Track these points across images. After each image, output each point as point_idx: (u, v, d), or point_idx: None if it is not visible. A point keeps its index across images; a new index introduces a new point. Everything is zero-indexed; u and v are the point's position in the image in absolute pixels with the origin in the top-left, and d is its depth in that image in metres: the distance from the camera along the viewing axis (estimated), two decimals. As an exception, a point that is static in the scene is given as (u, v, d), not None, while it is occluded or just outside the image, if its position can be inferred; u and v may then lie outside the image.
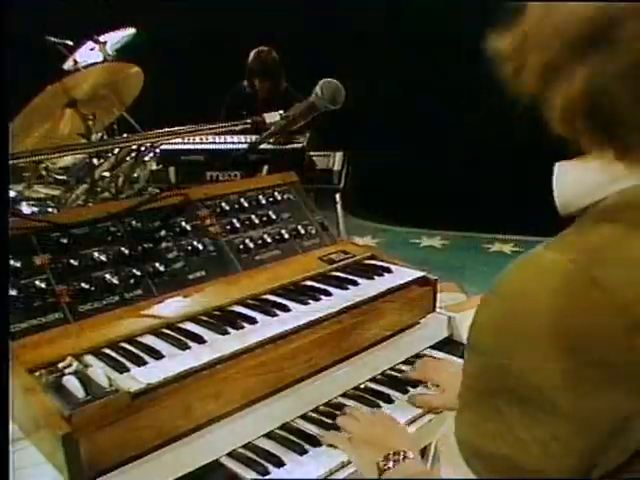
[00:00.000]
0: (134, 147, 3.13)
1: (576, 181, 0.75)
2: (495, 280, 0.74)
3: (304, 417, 1.31)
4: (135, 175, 3.40)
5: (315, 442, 1.23)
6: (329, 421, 1.29)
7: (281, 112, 1.48)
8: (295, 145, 3.83)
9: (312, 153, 4.08)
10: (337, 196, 4.08)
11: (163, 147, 3.76)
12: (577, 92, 0.69)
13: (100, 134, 3.49)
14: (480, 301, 0.75)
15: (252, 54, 4.75)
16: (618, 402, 0.65)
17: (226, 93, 4.94)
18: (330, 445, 1.22)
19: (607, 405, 0.65)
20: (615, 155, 0.71)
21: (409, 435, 1.27)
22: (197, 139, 3.91)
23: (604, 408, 0.65)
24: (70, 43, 4.01)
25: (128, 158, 3.27)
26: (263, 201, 1.70)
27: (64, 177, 3.33)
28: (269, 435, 1.25)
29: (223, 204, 1.63)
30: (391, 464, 1.11)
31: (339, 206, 4.09)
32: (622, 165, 0.71)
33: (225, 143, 4.04)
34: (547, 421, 0.67)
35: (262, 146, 3.69)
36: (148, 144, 3.08)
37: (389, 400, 1.37)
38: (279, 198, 1.73)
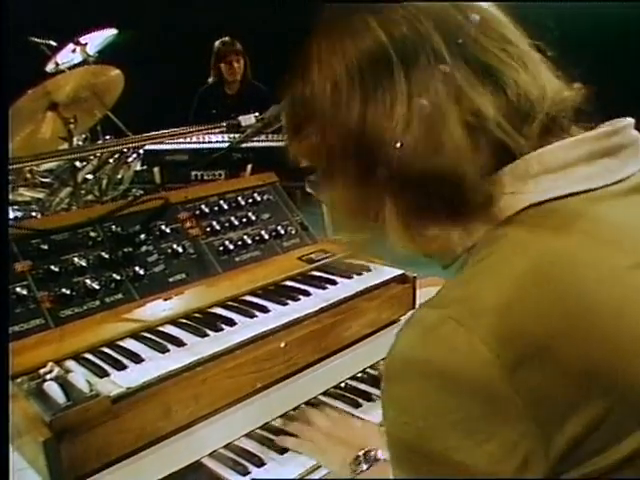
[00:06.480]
0: (117, 149, 3.14)
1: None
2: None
3: (285, 416, 1.33)
4: (119, 177, 3.40)
5: (296, 441, 1.25)
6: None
7: (256, 114, 1.49)
8: (278, 143, 3.85)
9: (296, 150, 4.10)
10: (322, 193, 4.10)
11: (147, 147, 3.77)
12: None
13: (83, 136, 3.49)
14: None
15: (217, 43, 5.03)
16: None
17: (194, 96, 5.08)
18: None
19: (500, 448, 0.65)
20: None
21: (369, 431, 1.26)
22: (181, 139, 3.92)
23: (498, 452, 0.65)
24: (53, 43, 4.01)
25: (111, 160, 3.28)
26: (243, 202, 1.72)
27: (48, 179, 3.34)
28: (250, 435, 1.27)
29: (203, 206, 1.65)
30: (364, 467, 1.12)
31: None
32: None
33: (209, 142, 4.05)
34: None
35: (246, 145, 3.73)
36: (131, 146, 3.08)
37: (369, 398, 1.39)
38: (258, 199, 1.75)
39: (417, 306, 1.64)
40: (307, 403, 1.38)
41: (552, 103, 0.76)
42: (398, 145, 0.73)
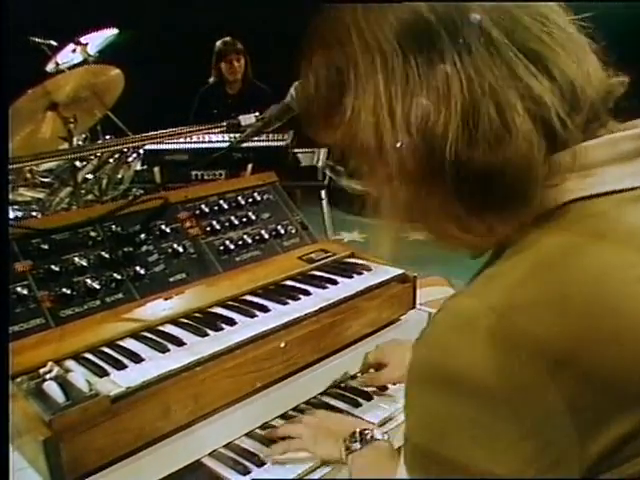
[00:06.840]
0: (117, 149, 3.14)
1: None
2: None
3: (285, 416, 1.33)
4: (119, 176, 3.40)
5: (296, 440, 1.24)
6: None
7: (256, 114, 1.49)
8: (279, 143, 3.85)
9: (297, 150, 4.10)
10: (322, 193, 4.10)
11: (147, 147, 3.77)
12: None
13: (83, 136, 3.49)
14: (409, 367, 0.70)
15: (218, 42, 5.03)
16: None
17: (194, 95, 5.08)
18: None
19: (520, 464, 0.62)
20: None
21: (365, 422, 1.26)
22: (181, 139, 3.92)
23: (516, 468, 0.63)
24: (54, 43, 4.01)
25: (111, 160, 3.27)
26: (243, 202, 1.72)
27: (48, 179, 3.34)
28: (250, 435, 1.27)
29: (203, 206, 1.65)
30: (358, 445, 1.10)
31: (325, 203, 4.10)
32: None
33: (209, 142, 4.05)
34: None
35: (246, 145, 3.73)
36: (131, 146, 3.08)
37: (369, 398, 1.39)
38: (259, 199, 1.75)
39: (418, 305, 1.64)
40: (307, 403, 1.37)
41: (596, 95, 0.72)
42: (460, 133, 0.67)
